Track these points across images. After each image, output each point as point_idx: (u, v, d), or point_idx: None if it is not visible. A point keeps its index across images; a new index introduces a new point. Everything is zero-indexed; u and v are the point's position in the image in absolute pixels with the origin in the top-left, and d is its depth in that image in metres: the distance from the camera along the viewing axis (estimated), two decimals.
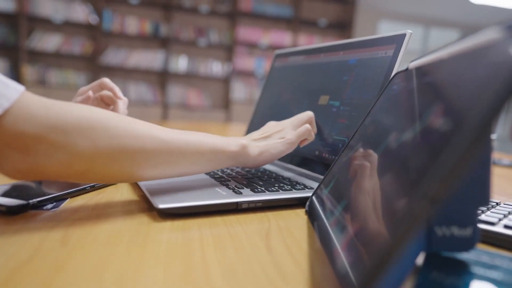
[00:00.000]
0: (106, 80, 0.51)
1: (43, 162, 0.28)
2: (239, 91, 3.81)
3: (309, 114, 0.48)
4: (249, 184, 0.42)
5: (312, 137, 0.48)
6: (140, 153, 0.32)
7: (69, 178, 0.30)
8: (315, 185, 0.46)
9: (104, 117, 0.31)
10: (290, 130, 0.45)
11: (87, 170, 0.30)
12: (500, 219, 0.33)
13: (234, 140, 0.40)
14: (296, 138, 0.45)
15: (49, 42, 3.32)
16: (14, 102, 0.27)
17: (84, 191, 0.39)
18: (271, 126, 0.47)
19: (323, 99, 0.54)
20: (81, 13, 3.33)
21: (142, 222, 0.32)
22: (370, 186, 0.25)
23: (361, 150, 0.32)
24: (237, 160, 0.40)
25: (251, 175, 0.48)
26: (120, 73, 3.61)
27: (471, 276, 0.23)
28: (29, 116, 0.27)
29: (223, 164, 0.39)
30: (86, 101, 0.50)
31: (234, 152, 0.39)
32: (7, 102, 0.26)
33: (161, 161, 0.33)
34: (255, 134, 0.45)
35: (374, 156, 0.27)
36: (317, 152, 0.52)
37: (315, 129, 0.50)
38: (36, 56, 3.39)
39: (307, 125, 0.46)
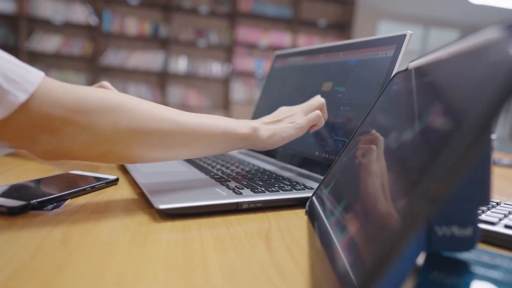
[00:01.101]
0: (106, 84, 0.51)
1: (70, 142, 0.30)
2: (239, 91, 3.81)
3: (320, 100, 0.49)
4: (249, 185, 0.42)
5: (322, 123, 0.48)
6: (157, 134, 0.33)
7: (93, 159, 0.32)
8: (315, 185, 0.46)
9: (124, 100, 0.32)
10: (301, 115, 0.46)
11: (108, 150, 0.32)
12: (500, 219, 0.33)
13: (245, 123, 0.41)
14: (306, 123, 0.45)
15: (49, 43, 3.32)
16: (38, 86, 0.28)
17: (84, 192, 0.39)
18: (283, 111, 0.47)
19: None
20: (81, 14, 3.33)
21: (142, 223, 0.32)
22: (370, 186, 0.25)
23: (361, 145, 0.32)
24: (248, 142, 0.41)
25: (251, 175, 0.48)
26: (120, 74, 3.61)
27: (472, 275, 0.23)
28: (54, 99, 0.28)
29: (235, 146, 0.40)
30: None
31: (246, 134, 0.40)
32: (31, 87, 0.27)
33: (178, 142, 0.35)
34: (267, 118, 0.46)
35: (376, 156, 0.27)
36: (317, 153, 0.52)
37: (326, 115, 0.50)
38: (36, 57, 3.39)
39: (318, 111, 0.47)
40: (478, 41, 0.20)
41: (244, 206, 0.37)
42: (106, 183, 0.42)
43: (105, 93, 0.32)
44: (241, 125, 0.40)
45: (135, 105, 0.33)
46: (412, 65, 0.32)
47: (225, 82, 3.84)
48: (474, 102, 0.16)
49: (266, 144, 0.43)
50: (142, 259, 0.25)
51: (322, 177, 0.47)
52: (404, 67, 0.35)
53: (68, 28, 3.43)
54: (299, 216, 0.37)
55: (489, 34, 0.19)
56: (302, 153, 0.54)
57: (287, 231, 0.32)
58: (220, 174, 0.47)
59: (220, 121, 0.39)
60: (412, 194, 0.17)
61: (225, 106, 3.85)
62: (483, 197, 0.22)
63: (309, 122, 0.46)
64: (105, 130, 0.31)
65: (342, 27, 3.92)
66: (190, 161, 0.55)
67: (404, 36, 0.45)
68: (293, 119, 0.45)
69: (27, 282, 0.21)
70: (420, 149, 0.20)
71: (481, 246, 0.30)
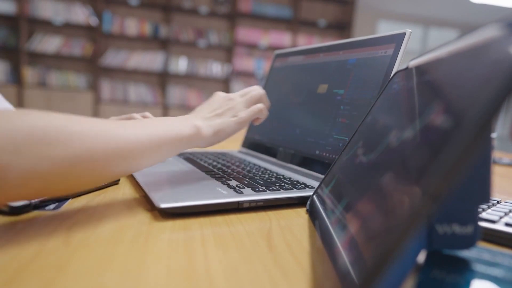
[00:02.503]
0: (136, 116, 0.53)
1: None
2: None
3: (260, 91, 0.47)
4: (250, 184, 0.42)
5: (264, 115, 0.47)
6: (101, 157, 0.29)
7: (29, 197, 0.27)
8: (315, 184, 0.46)
9: (56, 125, 0.27)
10: (243, 107, 0.45)
11: (44, 187, 0.26)
12: (501, 217, 0.33)
13: (187, 122, 0.39)
14: (249, 116, 0.44)
15: (50, 44, 3.32)
16: None
17: (86, 191, 0.39)
18: (222, 100, 0.45)
19: None
20: (81, 15, 3.33)
21: (144, 222, 0.32)
22: (371, 185, 0.25)
23: (361, 149, 0.32)
24: (193, 142, 0.39)
25: (252, 174, 0.48)
26: (120, 74, 3.61)
27: (472, 273, 0.23)
28: None
29: (180, 149, 0.38)
30: None
31: (189, 135, 0.38)
32: None
33: (122, 160, 0.31)
34: (206, 110, 0.43)
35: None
36: (317, 152, 0.52)
37: (268, 103, 0.49)
38: (37, 58, 3.39)
39: (260, 105, 0.46)
40: (478, 40, 0.20)
41: (245, 205, 0.37)
42: (107, 182, 0.42)
43: (37, 119, 0.26)
44: (184, 126, 0.38)
45: (70, 131, 0.27)
46: (412, 63, 0.32)
47: (225, 82, 3.84)
48: (474, 100, 0.16)
49: (210, 141, 0.41)
50: (144, 258, 0.25)
51: (322, 176, 0.48)
52: (404, 66, 0.35)
53: (68, 29, 3.44)
54: (300, 215, 0.37)
55: (489, 32, 0.19)
56: (302, 152, 0.54)
57: (288, 230, 0.32)
58: (221, 173, 0.47)
59: (161, 127, 0.35)
60: (413, 192, 0.17)
61: None
62: (484, 195, 0.22)
63: (252, 115, 0.45)
64: (39, 166, 0.25)
65: (342, 27, 3.92)
66: (191, 161, 0.55)
67: (403, 34, 0.45)
68: (235, 112, 0.44)
69: (30, 282, 0.21)
70: (421, 147, 0.20)
71: (482, 244, 0.30)
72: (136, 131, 0.33)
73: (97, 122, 0.30)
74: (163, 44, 3.61)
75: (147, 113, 0.56)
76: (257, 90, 0.47)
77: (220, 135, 0.42)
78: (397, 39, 0.46)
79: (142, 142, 0.33)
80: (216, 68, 3.73)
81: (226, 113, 0.43)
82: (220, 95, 0.46)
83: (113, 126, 0.31)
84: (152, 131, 0.34)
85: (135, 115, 0.53)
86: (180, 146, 0.38)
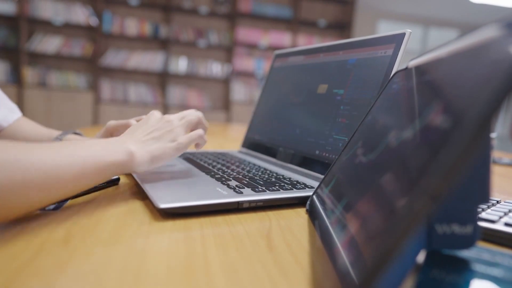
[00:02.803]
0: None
1: None
2: (239, 91, 3.81)
3: (198, 115, 0.46)
4: (250, 184, 0.42)
5: (204, 141, 0.46)
6: (20, 187, 0.27)
7: None
8: (315, 184, 0.46)
9: None
10: (182, 131, 0.42)
11: None
12: (500, 217, 0.33)
13: (119, 147, 0.36)
14: (189, 142, 0.42)
15: (50, 44, 3.32)
16: None
17: (85, 192, 0.39)
18: (159, 122, 0.42)
19: None
20: (81, 15, 3.33)
21: (144, 222, 0.32)
22: (370, 185, 0.25)
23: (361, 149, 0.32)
24: (124, 168, 0.36)
25: (251, 175, 0.48)
26: (120, 74, 3.61)
27: (472, 273, 0.23)
28: None
29: (109, 176, 0.35)
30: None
31: (121, 161, 0.35)
32: None
33: (44, 189, 0.29)
34: (141, 131, 0.40)
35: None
36: (317, 152, 0.52)
37: (207, 126, 0.48)
38: (37, 58, 3.39)
39: (200, 131, 0.44)
40: (478, 39, 0.20)
41: (245, 205, 0.37)
42: (107, 183, 0.42)
43: None
44: (115, 151, 0.35)
45: None
46: (412, 63, 0.32)
47: (225, 82, 3.84)
48: (474, 100, 0.16)
49: (145, 167, 0.38)
50: (144, 258, 0.25)
51: (322, 176, 0.48)
52: (404, 66, 0.35)
53: (68, 29, 3.44)
54: (300, 215, 0.37)
55: (488, 32, 0.19)
56: (302, 152, 0.54)
57: (288, 230, 0.32)
58: (221, 174, 0.47)
59: (88, 152, 0.33)
60: (413, 191, 0.17)
61: (225, 106, 3.85)
62: (484, 195, 0.22)
63: (191, 141, 0.43)
64: None
65: (342, 27, 3.92)
66: (191, 161, 0.55)
67: (403, 34, 0.45)
68: (174, 136, 0.41)
69: (30, 282, 0.21)
70: (421, 147, 0.20)
71: (481, 244, 0.30)
72: (61, 157, 0.30)
73: (18, 150, 0.28)
74: (163, 44, 3.61)
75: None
76: (195, 114, 0.46)
77: (156, 161, 0.39)
78: (397, 39, 0.46)
79: (65, 170, 0.30)
80: (216, 68, 3.73)
81: (164, 137, 0.40)
82: (156, 115, 0.43)
83: (35, 153, 0.29)
84: (78, 157, 0.32)
85: (132, 121, 0.52)
86: (111, 173, 0.35)
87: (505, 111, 0.16)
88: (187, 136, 0.43)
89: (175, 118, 0.43)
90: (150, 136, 0.40)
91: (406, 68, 0.33)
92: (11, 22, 3.27)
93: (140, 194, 0.41)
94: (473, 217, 0.23)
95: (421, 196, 0.16)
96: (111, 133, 0.53)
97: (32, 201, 0.28)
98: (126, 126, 0.52)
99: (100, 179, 0.34)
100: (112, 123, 0.53)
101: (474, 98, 0.16)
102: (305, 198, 0.40)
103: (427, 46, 4.89)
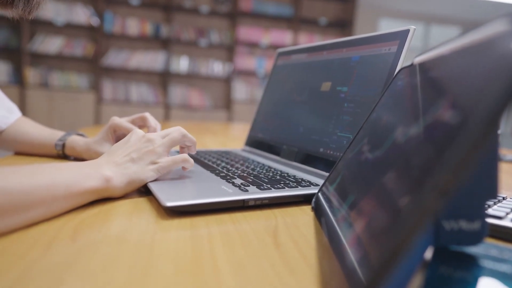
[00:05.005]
0: (147, 115, 0.54)
1: None
2: (240, 91, 3.81)
3: (181, 131, 0.43)
4: (255, 182, 0.42)
5: (191, 164, 0.43)
6: None
7: None
8: (320, 182, 0.46)
9: None
10: (163, 152, 0.40)
11: None
12: (507, 213, 0.33)
13: (94, 171, 0.35)
14: (170, 166, 0.40)
15: (51, 44, 3.33)
16: None
17: None
18: (139, 142, 0.40)
19: None
20: (83, 16, 3.34)
21: (150, 220, 0.32)
22: (377, 182, 0.25)
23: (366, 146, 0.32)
24: (101, 194, 0.35)
25: (256, 173, 0.48)
26: (122, 74, 3.61)
27: (480, 269, 0.23)
28: None
29: (85, 201, 0.34)
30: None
31: (95, 187, 0.34)
32: None
33: (14, 214, 0.28)
34: (120, 152, 0.39)
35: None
36: (321, 149, 0.52)
37: (193, 141, 0.46)
38: (39, 59, 3.40)
39: (184, 156, 0.42)
40: (484, 35, 0.20)
41: (251, 203, 0.37)
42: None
43: None
44: (89, 176, 0.34)
45: None
46: (417, 60, 0.32)
47: (227, 81, 3.84)
48: (482, 95, 0.16)
49: (122, 192, 0.37)
50: (151, 256, 0.25)
51: (327, 174, 0.48)
52: (408, 63, 0.35)
53: (70, 29, 3.44)
54: (305, 213, 0.37)
55: (494, 28, 0.19)
56: (306, 150, 0.54)
57: (294, 227, 0.33)
58: (226, 172, 0.47)
59: (59, 177, 0.31)
60: (421, 187, 0.17)
61: (226, 106, 3.85)
62: (491, 191, 0.22)
63: (173, 164, 0.41)
64: None
65: (343, 25, 3.91)
66: (195, 159, 0.55)
67: (407, 31, 0.45)
68: (155, 157, 0.39)
69: (38, 280, 0.21)
70: (428, 143, 0.20)
71: (488, 240, 0.30)
72: (29, 182, 0.29)
73: None
74: (164, 43, 3.61)
75: (146, 114, 0.55)
76: (178, 131, 0.43)
77: (134, 185, 0.38)
78: (401, 36, 0.46)
79: (34, 195, 0.29)
80: (217, 67, 3.73)
81: (143, 158, 0.39)
82: (138, 134, 0.41)
83: (4, 177, 0.28)
84: (48, 182, 0.30)
85: (136, 129, 0.52)
86: (85, 198, 0.34)
87: (508, 109, 0.16)
88: (170, 158, 0.41)
89: (157, 136, 0.41)
90: (128, 158, 0.38)
91: (411, 65, 0.33)
92: (13, 22, 3.27)
93: (145, 192, 0.41)
94: (481, 213, 0.23)
95: (430, 192, 0.16)
96: (114, 130, 0.53)
97: (4, 225, 0.27)
98: (129, 131, 0.52)
99: (74, 204, 0.33)
100: (116, 119, 0.53)
101: (483, 93, 0.16)
102: (310, 196, 0.40)
103: (429, 43, 4.87)
